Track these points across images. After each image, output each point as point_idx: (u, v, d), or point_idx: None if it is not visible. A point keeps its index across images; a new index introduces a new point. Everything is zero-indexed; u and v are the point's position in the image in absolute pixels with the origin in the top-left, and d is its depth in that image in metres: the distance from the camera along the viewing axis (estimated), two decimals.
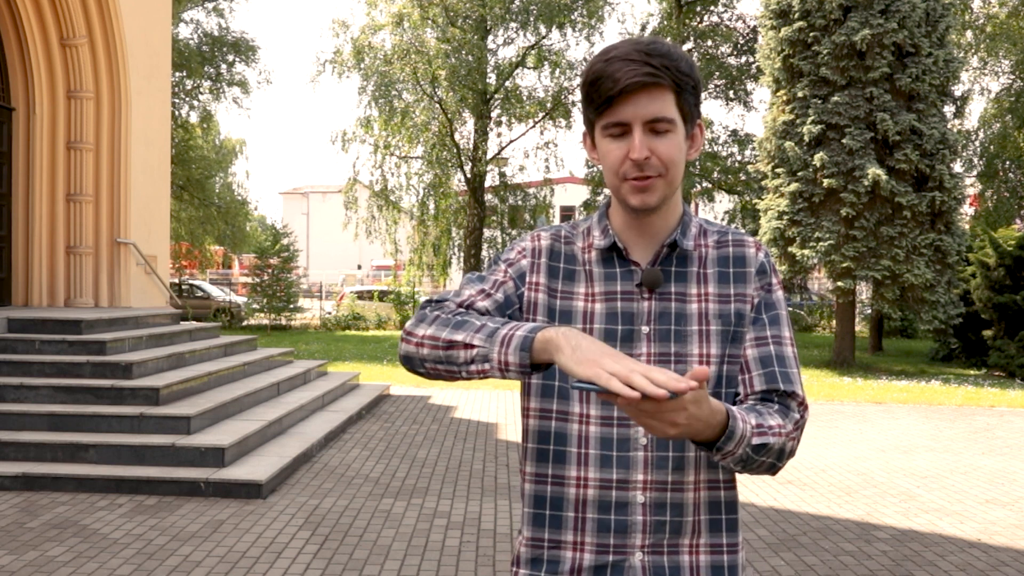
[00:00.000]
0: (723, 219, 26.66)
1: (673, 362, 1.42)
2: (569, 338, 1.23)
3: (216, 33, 26.34)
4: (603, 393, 1.16)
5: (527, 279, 1.49)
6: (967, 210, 25.58)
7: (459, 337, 1.32)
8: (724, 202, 27.35)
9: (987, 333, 15.36)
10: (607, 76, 1.35)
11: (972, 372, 15.38)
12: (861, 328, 22.37)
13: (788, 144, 14.78)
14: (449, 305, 1.44)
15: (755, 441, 1.31)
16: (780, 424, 1.36)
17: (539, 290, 1.48)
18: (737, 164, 25.30)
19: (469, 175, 25.55)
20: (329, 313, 25.96)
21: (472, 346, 1.30)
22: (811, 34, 14.70)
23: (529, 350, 1.25)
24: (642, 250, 1.47)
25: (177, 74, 24.64)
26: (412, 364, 1.40)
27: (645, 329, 1.43)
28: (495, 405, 10.49)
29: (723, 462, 1.33)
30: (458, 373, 1.34)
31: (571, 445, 1.43)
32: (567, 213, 38.77)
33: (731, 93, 25.94)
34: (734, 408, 1.30)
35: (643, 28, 26.45)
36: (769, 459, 1.36)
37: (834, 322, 18.54)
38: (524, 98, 25.91)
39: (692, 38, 25.87)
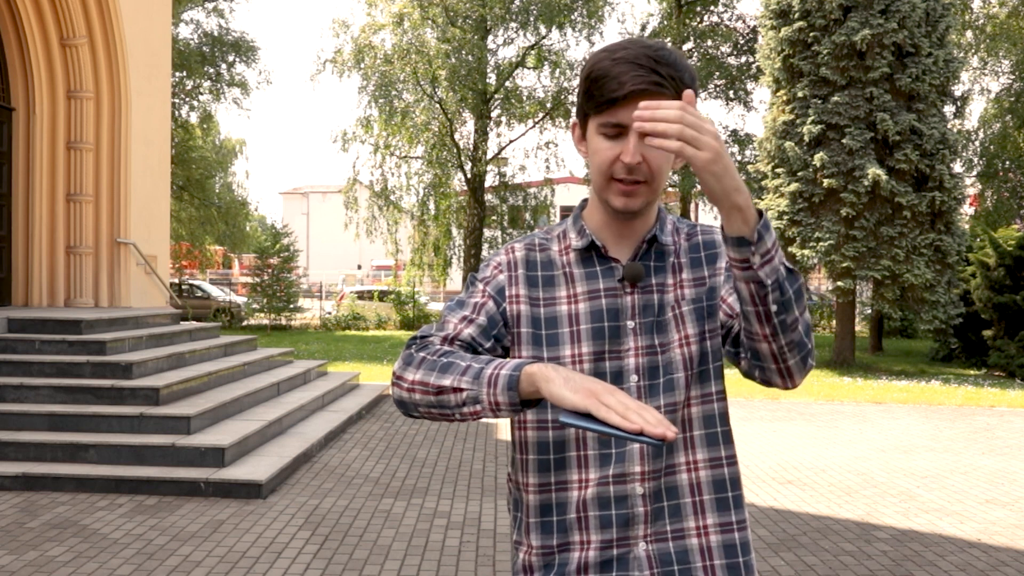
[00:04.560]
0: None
1: (659, 352, 1.44)
2: (559, 369, 1.24)
3: (216, 33, 26.34)
4: (593, 429, 1.15)
5: (507, 293, 1.49)
6: (967, 210, 25.58)
7: (447, 382, 1.32)
8: None
9: (987, 333, 15.36)
10: (613, 77, 1.35)
11: (972, 372, 15.38)
12: (861, 328, 22.37)
13: (788, 144, 14.78)
14: (433, 342, 1.42)
15: (787, 264, 1.28)
16: None
17: (520, 302, 1.48)
18: (737, 164, 25.27)
19: (469, 175, 25.56)
20: (329, 313, 25.96)
21: (461, 389, 1.30)
22: (811, 34, 14.70)
23: (516, 388, 1.25)
24: (621, 248, 1.48)
25: (177, 74, 24.64)
26: (407, 409, 1.40)
27: (631, 324, 1.44)
28: None
29: (761, 270, 1.24)
30: (452, 416, 1.34)
31: (570, 450, 1.44)
32: (567, 213, 38.74)
33: (731, 93, 25.95)
34: None
35: (643, 28, 26.45)
36: (801, 316, 1.30)
37: (834, 322, 18.53)
38: (524, 98, 25.92)
39: (692, 38, 25.88)
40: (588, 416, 1.17)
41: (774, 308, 1.27)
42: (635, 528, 1.42)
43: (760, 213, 1.24)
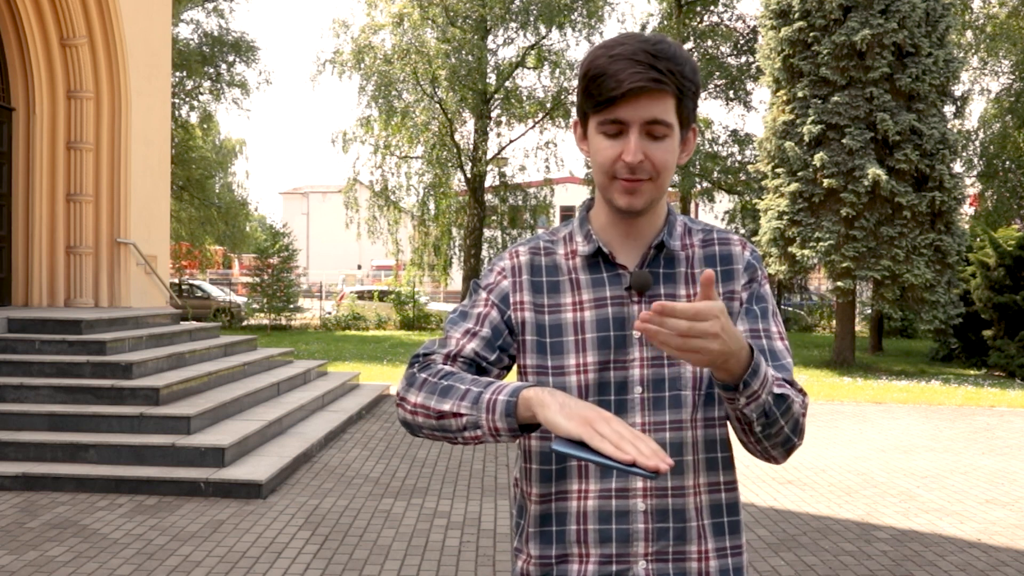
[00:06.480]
0: (723, 219, 26.66)
1: (667, 365, 1.40)
2: (555, 394, 1.22)
3: (216, 33, 26.33)
4: (586, 459, 1.14)
5: (511, 300, 1.46)
6: (967, 210, 25.58)
7: (447, 407, 1.31)
8: (724, 202, 27.35)
9: (987, 333, 15.36)
10: (610, 75, 1.31)
11: (972, 372, 15.38)
12: (861, 328, 22.37)
13: (788, 144, 14.78)
14: (436, 360, 1.41)
15: (776, 390, 1.28)
16: (792, 392, 1.34)
17: (525, 309, 1.45)
18: (737, 164, 25.29)
19: (469, 175, 25.56)
20: (329, 313, 25.96)
21: (460, 415, 1.29)
22: (811, 34, 14.70)
23: (514, 414, 1.24)
24: (628, 252, 1.45)
25: (177, 74, 24.63)
26: (412, 430, 1.40)
27: (637, 334, 1.40)
28: None
29: (746, 408, 1.26)
30: (455, 439, 1.34)
31: (572, 459, 1.42)
32: (567, 213, 38.76)
33: (731, 93, 25.94)
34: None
35: (643, 28, 26.42)
36: (787, 424, 1.31)
37: (834, 322, 18.53)
38: (524, 98, 25.92)
39: (692, 38, 25.87)
40: (582, 444, 1.15)
41: (758, 429, 1.30)
42: (635, 545, 1.39)
43: (751, 355, 1.22)
